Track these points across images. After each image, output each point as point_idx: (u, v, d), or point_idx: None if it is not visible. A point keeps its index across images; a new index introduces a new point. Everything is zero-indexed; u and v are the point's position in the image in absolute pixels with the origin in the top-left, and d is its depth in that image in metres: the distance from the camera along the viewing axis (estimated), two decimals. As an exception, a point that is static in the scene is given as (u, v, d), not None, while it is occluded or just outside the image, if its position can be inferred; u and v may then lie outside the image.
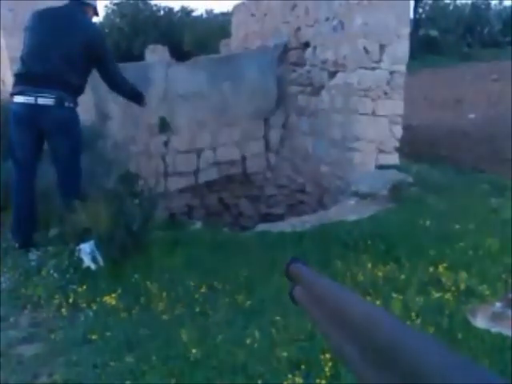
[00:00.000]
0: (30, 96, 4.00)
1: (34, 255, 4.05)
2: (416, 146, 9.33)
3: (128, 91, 4.62)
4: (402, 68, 7.07)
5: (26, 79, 4.06)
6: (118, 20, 27.48)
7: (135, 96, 4.71)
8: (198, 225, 6.05)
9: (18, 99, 4.03)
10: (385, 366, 0.86)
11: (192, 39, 24.67)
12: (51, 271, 3.75)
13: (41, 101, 4.00)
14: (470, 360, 0.71)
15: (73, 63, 4.09)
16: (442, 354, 0.73)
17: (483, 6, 31.48)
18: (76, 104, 4.22)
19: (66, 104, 4.07)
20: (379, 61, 6.90)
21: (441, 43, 27.20)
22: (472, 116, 12.56)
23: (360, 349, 1.03)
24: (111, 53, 4.46)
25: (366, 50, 6.82)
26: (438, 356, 0.73)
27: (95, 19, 4.62)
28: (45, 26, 4.17)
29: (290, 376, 2.61)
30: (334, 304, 1.29)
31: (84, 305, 3.47)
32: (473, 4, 31.41)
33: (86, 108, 4.93)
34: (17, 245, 4.23)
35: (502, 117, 10.91)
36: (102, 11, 27.89)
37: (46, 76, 4.02)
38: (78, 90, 4.26)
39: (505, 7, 32.38)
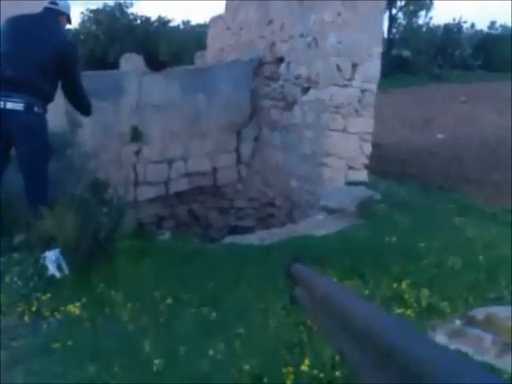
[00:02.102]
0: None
1: (-3, 262, 3.99)
2: (385, 163, 9.48)
3: (83, 106, 4.65)
4: (373, 87, 7.21)
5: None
6: (93, 27, 27.32)
7: (86, 109, 4.72)
8: (167, 235, 6.03)
9: None
10: (384, 366, 0.88)
11: (168, 49, 24.68)
12: (15, 278, 3.70)
13: (9, 105, 3.98)
14: (470, 360, 0.73)
15: (43, 71, 4.09)
16: (442, 354, 0.77)
17: (455, 29, 32.24)
18: (45, 111, 4.22)
19: (36, 109, 4.07)
20: (351, 79, 7.03)
21: (413, 63, 27.77)
22: (440, 136, 12.82)
23: (360, 349, 1.05)
24: (79, 65, 4.49)
25: (338, 68, 6.94)
26: (437, 356, 0.76)
27: (68, 26, 4.63)
28: (18, 33, 4.17)
29: (251, 388, 2.62)
30: (334, 305, 1.31)
31: (47, 313, 3.42)
32: (445, 26, 32.16)
33: (56, 115, 4.89)
34: None
35: (470, 138, 11.18)
36: (77, 18, 27.66)
37: (17, 81, 4.01)
38: (48, 97, 4.25)
39: (476, 31, 33.25)
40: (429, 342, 0.85)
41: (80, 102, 4.57)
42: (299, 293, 1.74)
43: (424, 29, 31.82)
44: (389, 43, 26.93)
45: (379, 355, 0.92)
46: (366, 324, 1.04)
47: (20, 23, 4.23)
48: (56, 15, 4.33)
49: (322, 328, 1.48)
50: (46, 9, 4.32)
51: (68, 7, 4.51)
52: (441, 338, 3.18)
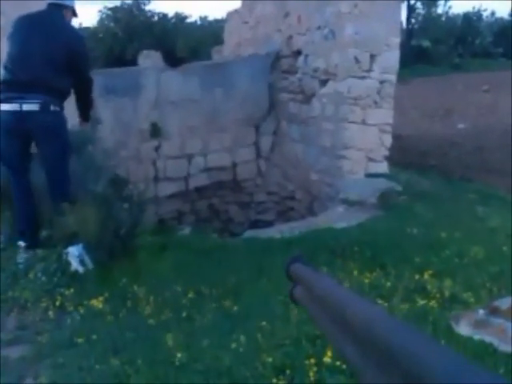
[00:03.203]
0: (15, 103, 4.03)
1: (21, 258, 4.05)
2: (405, 154, 9.41)
3: (89, 103, 4.64)
4: (392, 77, 7.15)
5: (11, 86, 4.09)
6: (112, 25, 27.48)
7: (87, 112, 4.69)
8: (187, 230, 6.08)
9: (4, 107, 4.06)
10: (386, 366, 0.88)
11: (185, 45, 24.73)
12: (39, 274, 3.76)
13: (26, 107, 4.02)
14: (470, 361, 0.73)
15: (56, 67, 4.11)
16: (443, 354, 0.76)
17: (475, 18, 31.79)
18: (62, 108, 4.23)
19: (52, 108, 4.09)
20: (369, 70, 6.97)
21: (432, 53, 27.44)
22: (461, 126, 12.67)
23: (361, 348, 1.05)
24: (89, 58, 4.50)
25: (356, 59, 6.89)
26: (438, 356, 0.75)
27: (74, 20, 4.64)
28: (27, 33, 4.19)
29: (274, 381, 2.63)
30: (334, 304, 1.31)
31: (71, 308, 3.48)
32: (465, 15, 31.71)
33: (76, 113, 4.92)
34: (23, 245, 4.24)
35: (491, 127, 11.03)
36: (95, 16, 27.80)
37: (31, 82, 4.04)
38: (64, 94, 4.27)
39: (496, 19, 32.72)
40: (431, 342, 0.84)
41: (86, 99, 4.56)
42: (299, 292, 1.74)
43: (443, 18, 31.43)
44: (408, 33, 26.67)
45: (381, 356, 0.92)
46: (367, 324, 1.04)
47: (26, 22, 4.24)
48: (60, 10, 4.32)
49: (323, 328, 1.48)
50: (49, 5, 4.32)
51: (71, 0, 4.48)
52: (464, 328, 3.15)
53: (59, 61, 4.12)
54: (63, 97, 4.26)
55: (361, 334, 1.05)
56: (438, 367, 0.72)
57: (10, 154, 4.23)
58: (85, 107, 4.61)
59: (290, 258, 1.89)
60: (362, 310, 1.13)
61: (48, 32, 4.16)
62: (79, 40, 4.36)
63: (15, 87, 4.07)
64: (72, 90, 4.38)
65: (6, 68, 4.16)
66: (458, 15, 32.21)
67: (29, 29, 4.20)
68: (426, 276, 3.95)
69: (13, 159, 4.25)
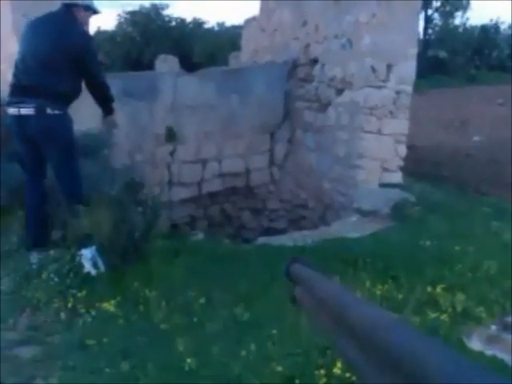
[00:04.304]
0: (15, 107, 4.07)
1: (35, 258, 4.08)
2: (420, 165, 9.36)
3: (106, 101, 4.54)
4: (409, 88, 7.14)
5: (14, 90, 4.13)
6: (130, 29, 27.71)
7: (108, 106, 4.61)
8: (200, 236, 6.08)
9: (9, 111, 4.12)
10: (387, 367, 0.88)
11: (202, 51, 24.87)
12: (52, 275, 3.78)
13: (23, 111, 4.04)
14: (472, 361, 0.73)
15: (57, 71, 4.07)
16: (444, 354, 0.75)
17: (493, 30, 31.65)
18: (63, 110, 4.16)
19: (49, 111, 4.05)
20: (386, 80, 6.97)
21: (449, 64, 27.36)
22: (477, 138, 12.60)
23: (362, 349, 1.05)
24: (95, 60, 4.31)
25: (373, 69, 6.88)
26: (440, 357, 0.74)
27: (94, 20, 4.60)
28: (30, 37, 4.18)
29: (283, 390, 2.63)
30: (335, 305, 1.31)
31: (83, 310, 3.50)
32: (482, 27, 31.59)
33: (93, 116, 4.96)
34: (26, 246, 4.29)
35: (506, 141, 10.95)
36: (113, 20, 28.04)
37: (30, 86, 4.06)
38: (67, 97, 4.20)
39: (514, 31, 32.50)
40: (432, 343, 0.83)
41: (102, 96, 4.47)
42: (299, 293, 1.73)
43: (460, 29, 31.36)
44: (425, 44, 26.65)
45: (382, 357, 0.92)
46: (368, 325, 1.04)
47: (32, 26, 4.22)
48: (70, 9, 4.22)
49: (324, 329, 1.47)
50: (61, 5, 4.25)
51: None
52: (476, 343, 3.13)
53: (61, 63, 4.06)
54: (66, 100, 4.19)
55: (362, 334, 1.05)
56: (440, 368, 0.72)
57: (22, 157, 4.30)
58: (103, 103, 4.54)
59: (289, 259, 1.89)
60: (362, 310, 1.13)
61: (49, 36, 4.10)
62: (83, 43, 4.19)
63: (17, 91, 4.11)
64: (79, 92, 4.32)
65: (13, 72, 4.20)
66: (475, 27, 32.11)
67: (32, 33, 4.19)
68: (438, 289, 3.93)
69: (25, 161, 4.31)
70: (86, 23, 4.42)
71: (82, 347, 3.08)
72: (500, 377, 0.68)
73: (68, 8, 4.22)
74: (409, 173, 7.80)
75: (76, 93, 4.30)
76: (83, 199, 4.15)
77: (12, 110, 4.09)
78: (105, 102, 4.53)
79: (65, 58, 4.06)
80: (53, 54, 4.05)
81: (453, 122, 14.56)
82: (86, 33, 4.24)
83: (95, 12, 4.47)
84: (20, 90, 4.10)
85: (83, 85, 4.31)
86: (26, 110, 4.03)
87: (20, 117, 4.07)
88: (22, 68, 4.14)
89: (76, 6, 4.25)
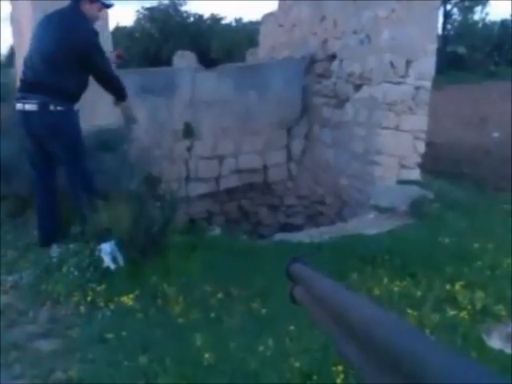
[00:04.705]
0: (20, 102, 4.12)
1: (55, 252, 4.13)
2: (439, 162, 9.29)
3: (117, 91, 4.50)
4: (428, 84, 7.08)
5: (21, 86, 4.19)
6: (148, 25, 27.81)
7: (120, 94, 4.55)
8: (217, 231, 6.10)
9: (16, 106, 4.18)
10: (387, 366, 0.88)
11: (220, 47, 24.88)
12: (71, 269, 3.82)
13: (27, 107, 4.09)
14: (472, 361, 0.73)
15: (61, 68, 4.07)
16: (444, 354, 0.75)
17: (512, 25, 31.16)
18: (68, 107, 4.16)
19: (52, 108, 4.06)
20: (405, 76, 6.92)
21: (468, 60, 27.05)
22: (496, 135, 12.46)
23: (362, 349, 1.05)
24: (101, 52, 4.22)
25: (392, 65, 6.84)
26: (440, 356, 0.74)
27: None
28: (37, 34, 4.20)
29: (301, 386, 2.63)
30: (335, 304, 1.31)
31: (102, 304, 3.53)
32: (502, 22, 31.16)
33: (112, 112, 4.99)
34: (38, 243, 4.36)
35: (527, 137, 10.81)
36: (132, 16, 28.16)
37: (34, 82, 4.09)
38: (72, 93, 4.20)
39: (535, 27, 32.00)
40: (432, 342, 0.83)
41: (113, 88, 4.45)
42: (299, 293, 1.73)
43: (480, 25, 30.96)
44: (443, 40, 26.35)
45: (382, 356, 0.92)
46: (367, 324, 1.03)
47: (40, 23, 4.23)
48: (77, 4, 4.17)
49: (324, 328, 1.47)
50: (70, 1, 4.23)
51: None
52: (496, 341, 3.11)
53: (65, 60, 4.06)
54: (70, 96, 4.18)
55: (361, 334, 1.05)
56: (440, 367, 0.72)
57: (31, 153, 4.36)
58: (114, 92, 4.52)
59: (289, 259, 1.89)
60: (362, 310, 1.13)
61: (54, 33, 4.10)
62: (86, 40, 4.13)
63: (23, 87, 4.16)
64: (85, 89, 4.31)
65: (22, 69, 4.25)
66: (495, 22, 31.69)
67: (39, 31, 4.21)
68: (457, 287, 3.90)
69: (33, 156, 4.36)
70: (96, 17, 4.35)
71: (101, 340, 3.11)
72: (500, 376, 0.68)
73: (75, 3, 4.19)
74: (427, 170, 7.74)
75: (81, 89, 4.29)
76: (95, 194, 4.17)
77: (18, 106, 4.15)
78: (116, 92, 4.52)
79: (69, 54, 4.06)
80: (56, 51, 4.05)
81: (472, 119, 14.40)
82: (90, 29, 4.17)
83: (104, 5, 4.41)
84: (26, 86, 4.14)
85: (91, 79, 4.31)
86: (30, 106, 4.07)
87: (25, 112, 4.12)
88: (30, 65, 4.17)
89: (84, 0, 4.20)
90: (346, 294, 1.34)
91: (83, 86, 4.29)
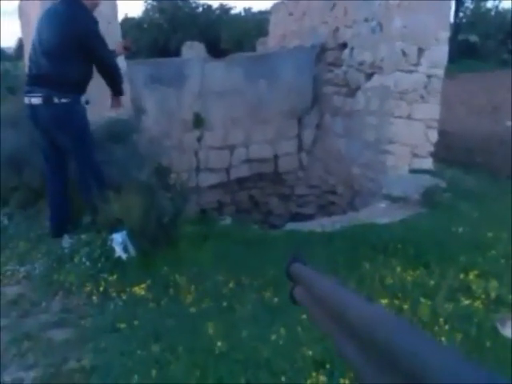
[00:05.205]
0: (27, 96, 4.12)
1: (67, 242, 4.14)
2: (451, 151, 9.20)
3: (115, 81, 4.43)
4: (440, 72, 7.00)
5: (27, 80, 4.18)
6: (156, 15, 27.76)
7: (118, 87, 4.49)
8: (228, 221, 6.10)
9: (25, 100, 4.18)
10: (386, 366, 0.87)
11: (229, 37, 24.80)
12: (83, 259, 3.83)
13: (33, 100, 4.08)
14: (471, 360, 0.72)
15: (63, 59, 4.04)
16: (444, 353, 0.75)
17: (526, 12, 30.81)
18: (71, 98, 4.11)
19: (56, 100, 4.03)
20: (417, 64, 6.85)
21: (480, 49, 26.79)
22: (509, 123, 12.33)
23: (361, 348, 1.04)
24: (101, 41, 4.16)
25: (403, 53, 6.77)
26: (439, 356, 0.74)
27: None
28: (39, 27, 4.17)
29: (313, 374, 2.61)
30: (334, 304, 1.30)
31: (114, 294, 3.53)
32: (515, 10, 30.76)
33: (123, 102, 4.96)
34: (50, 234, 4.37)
35: (541, 125, 10.68)
36: (140, 7, 28.12)
37: (38, 75, 4.08)
38: (75, 84, 4.16)
39: (548, 14, 31.60)
40: (432, 342, 0.82)
41: (112, 79, 4.38)
42: (299, 292, 1.71)
43: (492, 13, 30.63)
44: (456, 28, 26.07)
45: (382, 356, 0.91)
46: (367, 324, 1.02)
47: (43, 15, 4.21)
48: None
49: (324, 328, 1.46)
50: None
51: None
52: (510, 331, 3.07)
53: (67, 52, 4.03)
54: (74, 88, 4.14)
55: (361, 333, 1.04)
56: (440, 367, 0.71)
57: (43, 146, 4.36)
58: (112, 83, 4.43)
59: (289, 258, 1.88)
60: (362, 309, 1.12)
61: (54, 25, 4.07)
62: (86, 29, 4.07)
63: (29, 81, 4.15)
64: (89, 79, 4.27)
65: (28, 62, 4.24)
66: (507, 10, 31.33)
67: (41, 23, 4.17)
68: (471, 276, 3.86)
69: (45, 148, 4.36)
70: (95, 5, 4.30)
71: (113, 330, 3.11)
72: (500, 377, 0.67)
73: None
74: (439, 159, 7.68)
75: (85, 80, 4.25)
76: (105, 185, 4.17)
77: (26, 100, 4.14)
78: (114, 84, 4.46)
79: (69, 45, 4.03)
80: (57, 42, 4.03)
81: (485, 107, 14.25)
82: (89, 17, 4.11)
83: None
84: (32, 80, 4.14)
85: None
86: (36, 100, 4.06)
87: (31, 106, 4.11)
88: (34, 59, 4.16)
89: None
90: (346, 294, 1.33)
91: (87, 77, 4.25)
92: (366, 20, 7.30)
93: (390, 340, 0.88)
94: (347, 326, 1.13)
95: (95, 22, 4.14)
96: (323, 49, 8.45)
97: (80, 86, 4.20)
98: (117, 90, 4.50)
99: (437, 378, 0.70)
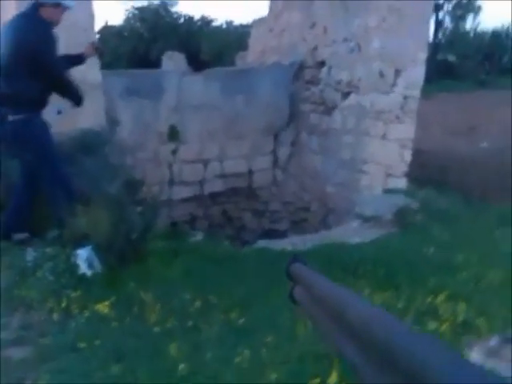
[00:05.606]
0: None
1: (30, 256, 4.04)
2: (425, 170, 9.27)
3: (70, 94, 4.32)
4: (416, 93, 7.08)
5: None
6: (137, 24, 27.71)
7: (77, 99, 4.38)
8: (200, 236, 6.04)
9: None
10: (385, 365, 0.87)
11: (210, 49, 24.84)
12: (46, 274, 3.73)
13: None
14: (471, 361, 0.71)
15: (13, 75, 3.97)
16: (442, 353, 0.75)
17: (504, 35, 31.50)
18: (28, 115, 4.04)
19: (11, 118, 3.97)
20: (394, 85, 6.92)
21: (458, 69, 27.26)
22: (484, 145, 12.51)
23: (361, 348, 1.02)
24: (50, 59, 4.05)
25: (381, 74, 6.82)
26: (437, 356, 0.74)
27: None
28: None
29: (277, 400, 2.57)
30: (333, 305, 1.29)
31: (76, 311, 3.44)
32: (493, 32, 31.44)
33: (96, 114, 4.91)
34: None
35: (515, 148, 10.83)
36: (121, 15, 28.04)
37: None
38: (32, 100, 4.08)
39: (525, 36, 32.30)
40: (430, 342, 0.81)
41: (68, 95, 4.30)
42: (299, 292, 1.70)
43: (471, 34, 31.21)
44: (434, 47, 26.50)
45: (381, 356, 0.90)
46: (366, 324, 1.02)
47: (2, 29, 4.13)
48: (34, 9, 4.02)
49: (323, 328, 1.44)
50: (28, 4, 4.08)
51: None
52: (477, 356, 3.07)
53: (18, 68, 3.95)
54: (31, 104, 4.06)
55: (360, 333, 1.04)
56: (438, 366, 0.72)
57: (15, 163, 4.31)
58: (69, 95, 4.32)
59: (290, 258, 1.87)
60: (361, 310, 1.12)
61: (6, 40, 3.99)
62: (36, 46, 3.97)
63: None
64: (46, 95, 4.20)
65: None
66: (486, 31, 31.94)
67: (1, 36, 4.09)
68: (439, 299, 3.86)
69: (18, 166, 4.30)
70: (58, 20, 4.18)
71: (73, 349, 3.02)
72: (498, 377, 0.66)
73: (33, 8, 4.04)
74: (413, 178, 7.73)
75: (42, 96, 4.17)
76: (73, 200, 4.08)
77: None
78: (72, 98, 4.34)
79: (21, 61, 3.94)
80: (9, 58, 3.96)
81: (461, 128, 14.42)
82: (44, 34, 4.00)
83: (66, 7, 4.21)
84: None
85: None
86: None
87: None
88: None
89: (42, 5, 4.04)
90: (346, 294, 1.34)
91: (45, 93, 4.16)
92: (345, 40, 7.36)
93: (389, 340, 0.89)
94: (347, 325, 1.13)
95: (51, 38, 4.03)
96: (301, 66, 8.50)
97: (37, 102, 4.12)
98: (77, 102, 4.38)
99: (435, 378, 0.70)
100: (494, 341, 3.31)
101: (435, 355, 0.74)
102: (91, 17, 5.51)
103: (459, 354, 0.71)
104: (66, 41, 4.85)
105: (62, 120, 4.44)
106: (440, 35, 29.99)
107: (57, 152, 4.28)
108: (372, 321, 1.01)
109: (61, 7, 4.15)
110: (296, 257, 1.84)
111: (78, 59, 4.53)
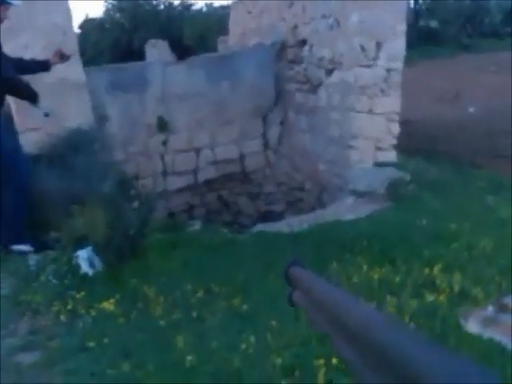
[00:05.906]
0: None
1: (33, 260, 4.09)
2: (414, 140, 9.33)
3: (26, 95, 4.29)
4: (399, 65, 7.08)
5: None
6: (117, 15, 27.39)
7: (31, 97, 4.31)
8: (197, 225, 6.09)
9: None
10: (383, 368, 0.89)
11: (192, 33, 24.63)
12: (50, 277, 3.79)
13: None
14: (469, 361, 0.73)
15: None
16: (439, 355, 0.76)
17: (484, -4, 31.29)
18: None
19: None
20: (376, 58, 6.91)
21: (441, 34, 27.13)
22: (471, 110, 12.53)
23: (359, 350, 1.06)
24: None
25: (362, 48, 6.83)
26: (435, 358, 0.75)
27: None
28: None
29: (283, 382, 2.64)
30: (332, 307, 1.32)
31: (82, 311, 3.50)
32: (473, -5, 31.22)
33: (83, 112, 4.93)
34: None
35: (502, 111, 10.88)
36: (101, 6, 27.67)
37: None
38: None
39: (505, -3, 32.09)
40: (428, 344, 0.85)
41: (25, 97, 4.29)
42: (298, 296, 1.74)
43: (451, -1, 31.03)
44: (415, 14, 26.37)
45: (379, 358, 0.93)
46: (364, 327, 1.05)
47: None
48: None
49: (322, 330, 1.49)
50: None
51: None
52: (473, 325, 3.14)
53: None
54: None
55: (359, 336, 1.06)
56: (435, 369, 0.73)
57: None
58: (21, 96, 4.33)
59: (288, 262, 1.89)
60: (359, 312, 1.14)
61: None
62: None
63: None
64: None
65: None
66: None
67: None
68: (435, 270, 3.93)
69: None
70: (3, 18, 4.11)
71: (82, 349, 3.08)
72: (492, 374, 0.69)
73: None
74: (403, 148, 7.76)
75: None
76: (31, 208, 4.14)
77: None
78: (29, 98, 4.31)
79: None
80: None
81: (447, 94, 14.44)
82: None
83: (10, 4, 4.14)
84: None
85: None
86: None
87: None
88: None
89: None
90: (344, 297, 1.36)
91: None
92: (324, 16, 7.35)
93: (385, 342, 0.90)
94: (344, 328, 1.15)
95: None
96: (283, 46, 8.48)
97: None
98: (33, 101, 4.32)
99: (431, 379, 0.71)
100: (489, 310, 3.37)
101: (430, 356, 0.75)
102: (69, 20, 5.47)
103: (459, 356, 0.73)
104: (44, 43, 4.86)
105: (49, 122, 4.44)
106: (420, 1, 29.83)
107: (23, 157, 4.29)
108: (369, 323, 1.04)
109: (5, 4, 4.07)
110: (295, 260, 1.87)
111: (43, 65, 4.48)
